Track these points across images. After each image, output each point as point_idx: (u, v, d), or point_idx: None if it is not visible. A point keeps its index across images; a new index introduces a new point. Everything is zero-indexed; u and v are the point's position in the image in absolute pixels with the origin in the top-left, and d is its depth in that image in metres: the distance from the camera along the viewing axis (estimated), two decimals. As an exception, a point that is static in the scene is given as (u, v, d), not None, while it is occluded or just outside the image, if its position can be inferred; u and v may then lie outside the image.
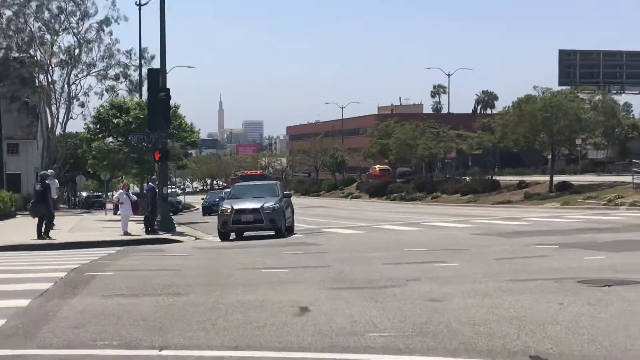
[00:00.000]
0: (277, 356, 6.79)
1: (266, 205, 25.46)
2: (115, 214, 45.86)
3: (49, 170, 34.81)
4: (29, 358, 6.96)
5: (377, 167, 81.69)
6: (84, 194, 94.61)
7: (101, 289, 11.76)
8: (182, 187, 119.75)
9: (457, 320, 8.12)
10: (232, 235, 26.14)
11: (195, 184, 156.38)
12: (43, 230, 24.96)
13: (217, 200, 44.74)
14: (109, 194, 75.60)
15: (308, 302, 9.59)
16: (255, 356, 6.81)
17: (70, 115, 68.65)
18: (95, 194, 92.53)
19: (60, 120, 69.17)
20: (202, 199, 62.22)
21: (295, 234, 27.07)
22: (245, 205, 25.80)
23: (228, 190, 41.85)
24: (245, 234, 26.39)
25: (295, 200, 49.34)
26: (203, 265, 15.86)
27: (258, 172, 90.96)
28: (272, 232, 25.47)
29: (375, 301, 9.60)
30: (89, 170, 58.55)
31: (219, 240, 25.62)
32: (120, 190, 29.87)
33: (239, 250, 19.94)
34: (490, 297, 9.65)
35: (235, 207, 25.66)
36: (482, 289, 10.32)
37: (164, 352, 7.03)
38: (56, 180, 33.08)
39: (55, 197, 31.05)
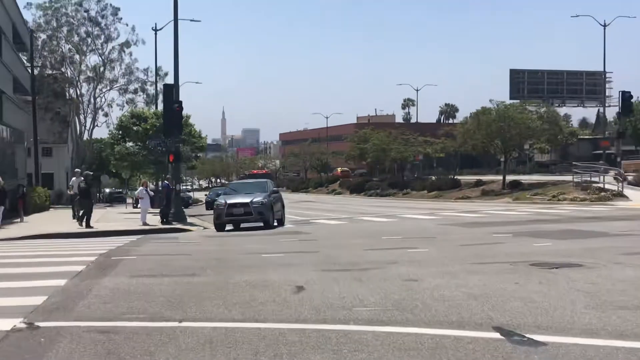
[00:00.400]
0: (278, 327, 6.77)
1: (255, 199, 25.01)
2: (134, 207, 45.75)
3: (77, 169, 34.67)
4: (69, 329, 6.92)
5: (339, 169, 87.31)
6: (107, 190, 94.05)
7: (127, 270, 11.70)
8: (191, 184, 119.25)
9: (430, 297, 8.13)
10: (230, 227, 25.67)
11: (201, 182, 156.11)
12: (86, 220, 25.01)
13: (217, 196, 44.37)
14: (129, 190, 75.25)
15: (303, 282, 9.58)
16: (260, 327, 6.79)
17: (96, 124, 68.72)
18: (117, 190, 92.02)
19: (87, 127, 69.19)
20: (205, 194, 61.94)
21: (286, 225, 26.89)
22: (237, 200, 25.37)
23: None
24: (242, 225, 26.11)
25: (287, 196, 49.39)
26: (212, 250, 15.81)
27: (264, 171, 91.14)
28: (261, 224, 24.91)
29: (360, 281, 9.59)
30: (112, 170, 58.51)
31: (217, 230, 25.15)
32: (140, 187, 29.82)
33: (241, 239, 19.90)
34: (457, 277, 9.66)
35: (228, 201, 25.31)
36: (450, 271, 10.34)
37: (184, 324, 7.01)
38: (82, 178, 32.99)
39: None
